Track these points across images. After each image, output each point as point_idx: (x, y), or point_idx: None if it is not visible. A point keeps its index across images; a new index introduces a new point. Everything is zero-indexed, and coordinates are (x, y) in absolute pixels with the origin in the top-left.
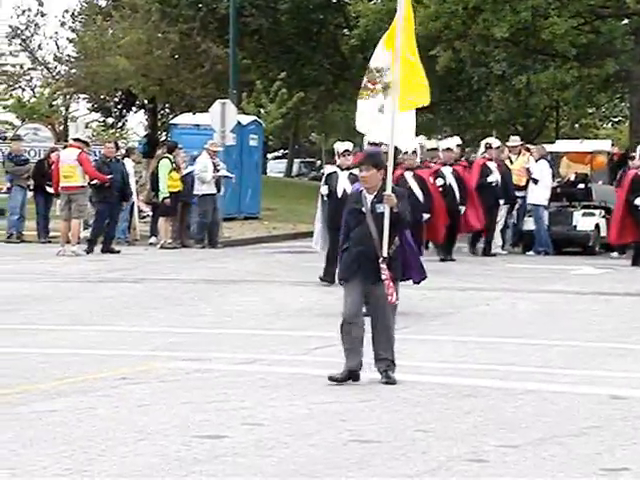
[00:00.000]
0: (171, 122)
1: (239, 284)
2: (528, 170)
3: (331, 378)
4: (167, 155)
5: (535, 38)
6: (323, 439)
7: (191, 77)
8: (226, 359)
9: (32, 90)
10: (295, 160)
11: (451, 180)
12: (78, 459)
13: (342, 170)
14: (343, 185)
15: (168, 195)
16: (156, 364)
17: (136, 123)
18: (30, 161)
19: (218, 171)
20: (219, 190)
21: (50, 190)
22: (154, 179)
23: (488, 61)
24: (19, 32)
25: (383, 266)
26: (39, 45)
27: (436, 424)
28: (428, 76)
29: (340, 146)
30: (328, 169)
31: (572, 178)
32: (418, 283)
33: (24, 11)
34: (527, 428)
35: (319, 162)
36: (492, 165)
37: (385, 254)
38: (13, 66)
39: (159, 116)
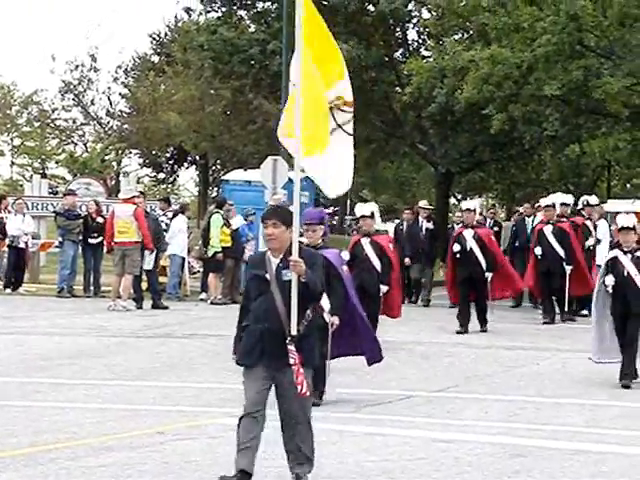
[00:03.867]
0: (222, 178)
1: None
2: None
3: (222, 479)
4: (218, 210)
5: (587, 97)
6: None
7: (243, 133)
8: (270, 415)
9: (84, 145)
10: (346, 217)
11: (472, 244)
12: None
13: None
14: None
15: (220, 250)
16: (206, 420)
17: (187, 179)
18: (81, 216)
19: None
20: None
21: (94, 241)
22: (205, 235)
23: (540, 120)
24: (72, 87)
25: (291, 348)
26: (92, 100)
27: None
28: (481, 134)
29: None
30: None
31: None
32: (370, 364)
33: (77, 66)
34: None
35: None
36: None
37: (294, 332)
38: (66, 121)
39: (210, 172)
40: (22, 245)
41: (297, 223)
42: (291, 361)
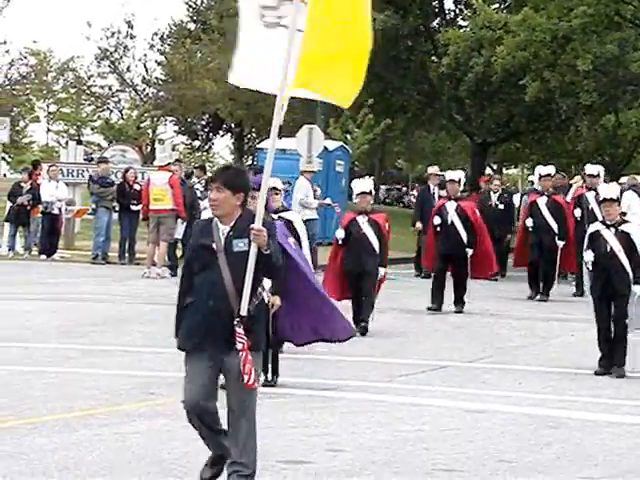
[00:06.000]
0: (257, 146)
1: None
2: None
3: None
4: None
5: (624, 69)
6: (407, 467)
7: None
8: (308, 384)
9: (120, 112)
10: (381, 187)
11: (454, 218)
12: None
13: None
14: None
15: None
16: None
17: (222, 147)
18: (115, 183)
19: (316, 197)
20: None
21: (135, 208)
22: None
23: (577, 91)
24: (108, 54)
25: (239, 330)
26: (128, 67)
27: (518, 454)
28: (518, 105)
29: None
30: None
31: None
32: (343, 341)
33: (113, 33)
34: (610, 461)
35: (404, 189)
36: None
37: (244, 312)
38: (102, 87)
39: (245, 140)
40: (56, 211)
41: (265, 187)
42: (239, 346)
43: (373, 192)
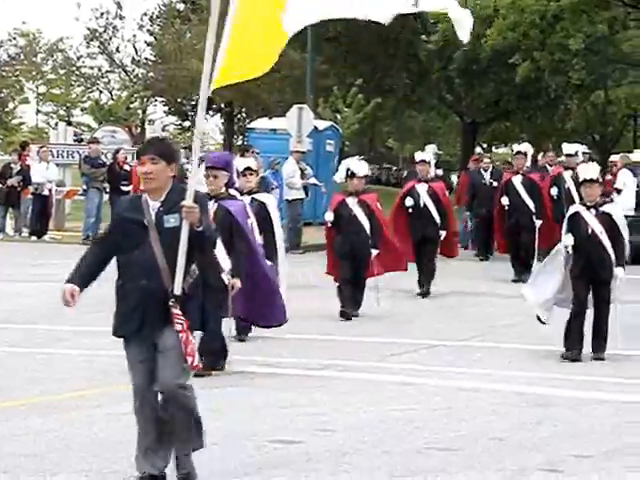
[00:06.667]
0: (248, 126)
1: (320, 289)
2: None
3: None
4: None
5: (614, 47)
6: (397, 446)
7: (268, 81)
8: (299, 364)
9: (110, 93)
10: (372, 166)
11: (426, 200)
12: None
13: (242, 194)
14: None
15: None
16: (228, 368)
17: (212, 127)
18: (106, 164)
19: (305, 176)
20: (307, 195)
21: (125, 188)
22: None
23: (567, 70)
24: (97, 35)
25: (176, 310)
26: (117, 48)
27: (511, 433)
28: (507, 84)
29: (242, 163)
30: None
31: None
32: (278, 326)
33: (102, 14)
34: (601, 438)
35: (394, 168)
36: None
37: (178, 291)
38: (91, 68)
39: (235, 120)
40: (46, 193)
41: (196, 162)
42: (177, 327)
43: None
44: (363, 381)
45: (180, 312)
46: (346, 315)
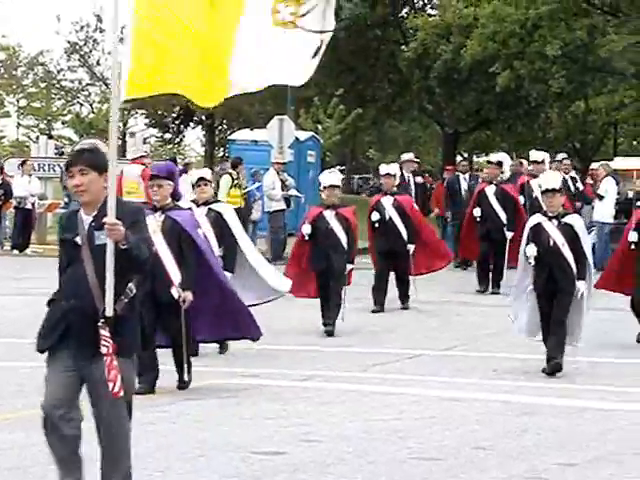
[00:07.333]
0: (229, 138)
1: (301, 300)
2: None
3: None
4: (230, 171)
5: (593, 55)
6: (383, 456)
7: (250, 93)
8: (282, 375)
9: (90, 105)
10: (354, 176)
11: (392, 214)
12: (139, 476)
13: (198, 206)
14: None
15: None
16: (212, 380)
17: (194, 139)
18: None
19: (287, 187)
20: (288, 206)
21: None
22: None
23: (547, 78)
24: (78, 48)
25: (104, 333)
26: (97, 61)
27: (495, 442)
28: (488, 93)
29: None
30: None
31: (630, 195)
32: (254, 340)
33: (82, 27)
34: (585, 446)
35: (370, 180)
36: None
37: (109, 312)
38: (72, 82)
39: (217, 132)
40: (29, 206)
41: (113, 170)
42: (103, 350)
43: (341, 185)
44: (346, 391)
45: (108, 335)
46: (329, 333)
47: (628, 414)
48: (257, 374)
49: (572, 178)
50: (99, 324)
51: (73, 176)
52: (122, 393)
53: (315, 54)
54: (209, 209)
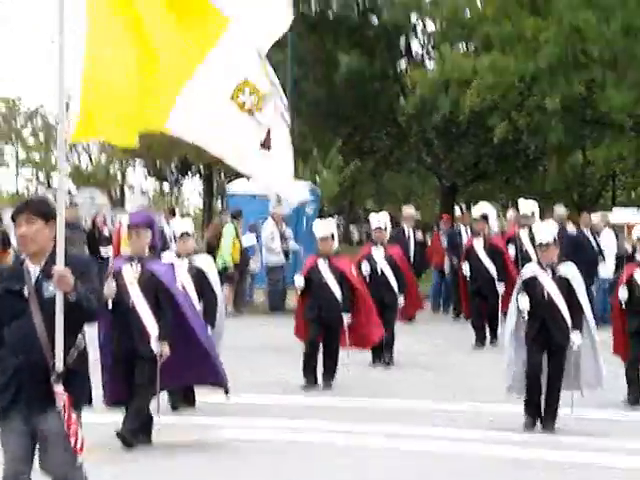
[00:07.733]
0: (228, 193)
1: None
2: None
3: None
4: (232, 221)
5: (592, 109)
6: None
7: None
8: (273, 427)
9: (89, 156)
10: (351, 226)
11: (383, 266)
12: None
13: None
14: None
15: (232, 265)
16: (209, 432)
17: (192, 190)
18: (83, 228)
19: (285, 240)
20: (287, 258)
21: (105, 255)
22: (211, 245)
23: (545, 130)
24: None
25: (58, 389)
26: None
27: None
28: (486, 146)
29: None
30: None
31: (629, 250)
32: (220, 386)
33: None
34: None
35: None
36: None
37: (59, 367)
38: None
39: (215, 183)
40: None
41: (62, 223)
42: (59, 406)
43: (335, 235)
44: (339, 445)
45: (62, 390)
46: (307, 389)
47: (615, 471)
48: (249, 425)
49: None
50: (52, 379)
51: (19, 225)
52: (83, 450)
53: (262, 146)
54: (190, 263)
